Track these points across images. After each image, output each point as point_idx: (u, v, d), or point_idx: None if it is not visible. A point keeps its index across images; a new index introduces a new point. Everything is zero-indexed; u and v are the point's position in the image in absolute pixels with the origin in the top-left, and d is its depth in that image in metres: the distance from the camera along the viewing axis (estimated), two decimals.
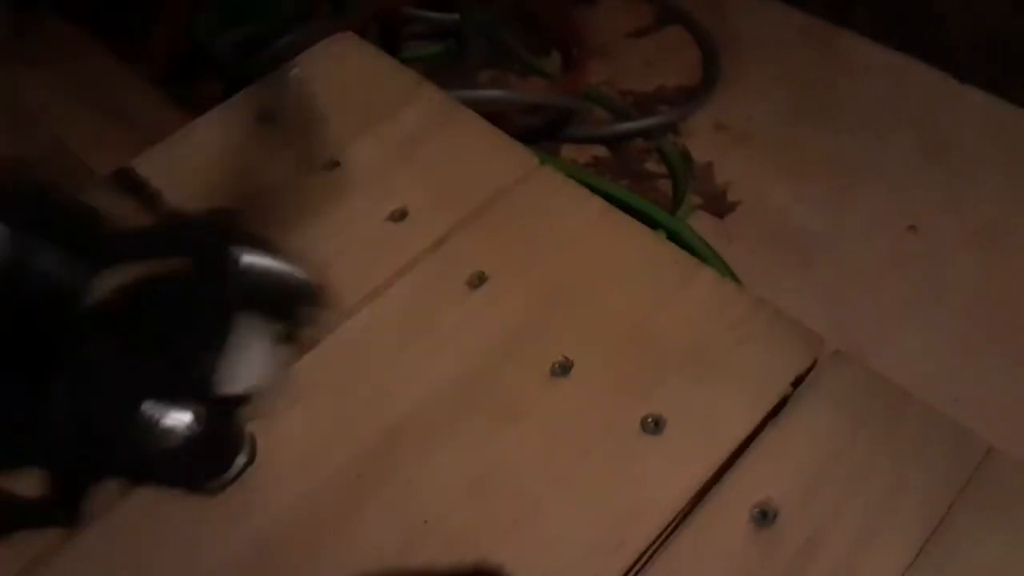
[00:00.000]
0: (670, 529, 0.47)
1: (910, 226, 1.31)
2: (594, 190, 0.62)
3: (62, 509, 0.44)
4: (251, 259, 0.40)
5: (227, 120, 0.68)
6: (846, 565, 0.46)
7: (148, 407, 0.37)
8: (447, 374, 0.54)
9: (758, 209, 1.35)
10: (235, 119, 0.67)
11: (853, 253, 1.29)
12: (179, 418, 0.38)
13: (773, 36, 1.59)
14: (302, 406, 0.52)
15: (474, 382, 0.53)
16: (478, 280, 0.58)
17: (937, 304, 1.23)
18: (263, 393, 0.42)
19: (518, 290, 0.57)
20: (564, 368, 0.53)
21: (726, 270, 1.20)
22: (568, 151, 1.46)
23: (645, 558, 0.46)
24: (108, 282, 0.35)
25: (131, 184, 0.55)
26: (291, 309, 0.44)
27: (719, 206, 1.36)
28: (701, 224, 1.32)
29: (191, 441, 0.39)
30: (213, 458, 0.45)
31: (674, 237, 1.24)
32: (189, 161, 0.65)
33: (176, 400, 0.38)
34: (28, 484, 0.42)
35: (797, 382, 0.52)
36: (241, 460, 0.47)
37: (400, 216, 0.61)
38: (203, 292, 0.40)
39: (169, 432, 0.38)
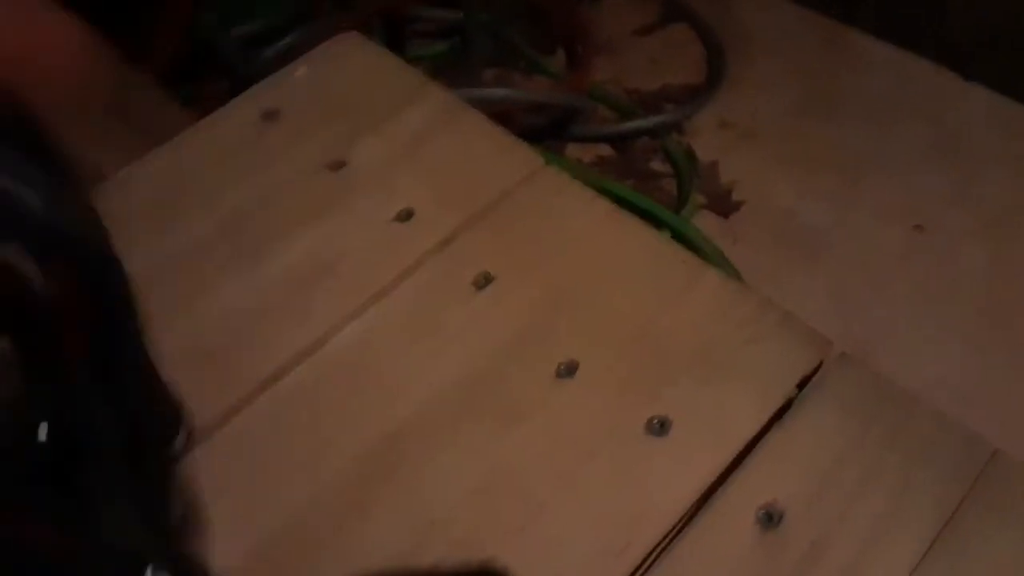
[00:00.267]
0: (676, 531, 0.47)
1: (916, 224, 1.31)
2: (599, 190, 0.62)
3: None
4: None
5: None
6: (853, 567, 0.45)
7: None
8: (452, 375, 0.54)
9: (763, 207, 1.35)
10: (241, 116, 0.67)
11: (860, 250, 1.29)
12: None
13: (778, 33, 1.59)
14: (306, 408, 0.52)
15: (479, 383, 0.53)
16: (484, 280, 0.58)
17: (945, 300, 1.23)
18: None
19: (524, 291, 0.57)
20: (570, 369, 0.53)
21: (731, 270, 1.19)
22: (573, 150, 1.46)
23: (650, 560, 0.46)
24: None
25: None
26: None
27: (724, 205, 1.36)
28: (706, 223, 1.32)
29: None
30: None
31: (679, 237, 1.24)
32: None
33: None
34: None
35: (803, 384, 0.52)
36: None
37: (406, 216, 0.61)
38: None
39: None
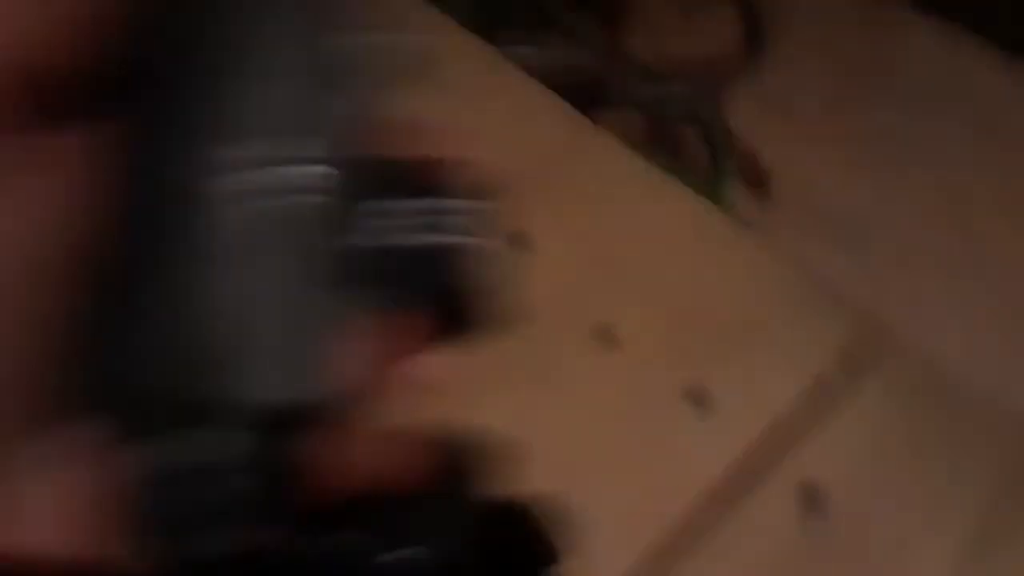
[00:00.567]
0: (714, 505, 0.46)
1: (959, 205, 1.28)
2: None
3: None
4: None
5: None
6: (896, 551, 0.45)
7: None
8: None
9: (800, 185, 1.33)
10: None
11: (901, 232, 1.26)
12: None
13: (819, 7, 1.56)
14: None
15: (514, 346, 0.52)
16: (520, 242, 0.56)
17: (989, 288, 1.20)
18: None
19: (564, 255, 0.56)
20: (608, 336, 0.52)
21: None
22: (603, 118, 1.44)
23: (688, 533, 0.46)
24: None
25: None
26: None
27: (759, 181, 1.34)
28: (740, 200, 1.30)
29: None
30: None
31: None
32: None
33: None
34: None
35: (848, 365, 0.51)
36: None
37: None
38: None
39: None
